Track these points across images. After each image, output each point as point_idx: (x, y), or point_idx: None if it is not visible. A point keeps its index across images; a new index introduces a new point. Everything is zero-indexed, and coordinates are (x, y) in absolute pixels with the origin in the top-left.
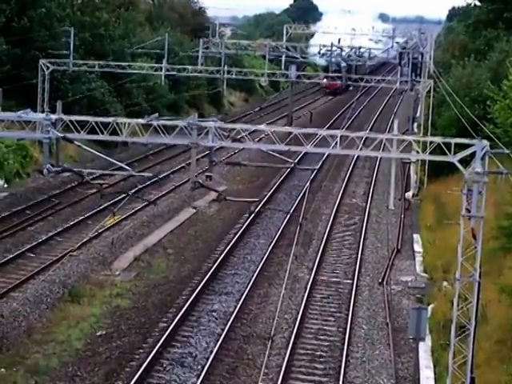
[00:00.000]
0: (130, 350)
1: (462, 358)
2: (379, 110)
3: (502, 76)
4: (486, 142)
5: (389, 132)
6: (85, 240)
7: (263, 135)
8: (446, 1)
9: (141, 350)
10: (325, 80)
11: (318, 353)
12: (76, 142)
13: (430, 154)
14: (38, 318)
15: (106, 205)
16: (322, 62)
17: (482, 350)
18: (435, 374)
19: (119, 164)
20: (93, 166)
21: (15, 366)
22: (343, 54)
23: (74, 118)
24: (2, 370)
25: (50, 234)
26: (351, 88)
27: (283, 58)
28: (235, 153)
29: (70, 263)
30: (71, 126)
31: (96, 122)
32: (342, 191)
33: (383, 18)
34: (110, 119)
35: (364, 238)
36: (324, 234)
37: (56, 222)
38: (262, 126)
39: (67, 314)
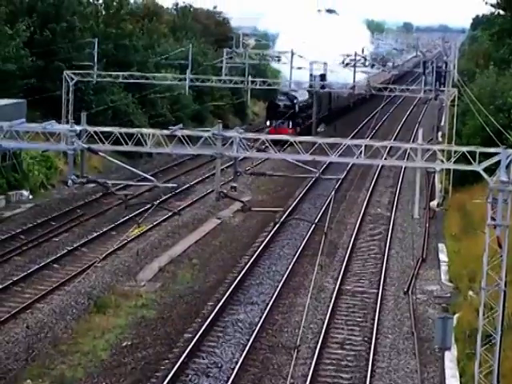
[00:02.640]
0: (156, 360)
1: (487, 368)
2: (403, 119)
3: None
4: (511, 151)
5: (413, 141)
6: (110, 251)
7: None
8: (470, 9)
9: (166, 361)
10: (267, 123)
11: (344, 362)
12: (100, 153)
13: (454, 162)
14: (64, 328)
15: (130, 216)
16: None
17: (508, 360)
18: (461, 383)
19: (144, 175)
20: (117, 176)
21: (41, 377)
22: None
23: (98, 129)
24: (28, 381)
25: (75, 244)
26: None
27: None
28: (260, 163)
29: (95, 274)
30: (95, 137)
31: (120, 133)
32: (366, 201)
33: (407, 27)
34: (135, 130)
35: (389, 248)
36: (349, 243)
37: (81, 232)
38: (286, 136)
39: (93, 325)
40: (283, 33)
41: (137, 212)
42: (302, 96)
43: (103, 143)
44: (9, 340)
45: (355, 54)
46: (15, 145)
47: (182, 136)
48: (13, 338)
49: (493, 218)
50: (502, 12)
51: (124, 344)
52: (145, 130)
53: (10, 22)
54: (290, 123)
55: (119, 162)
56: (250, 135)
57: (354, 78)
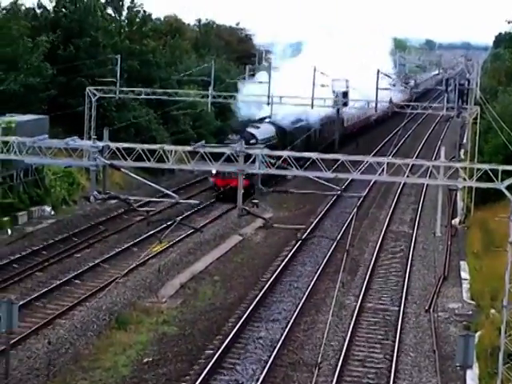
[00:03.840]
0: (177, 377)
1: None
2: (425, 137)
3: None
4: None
5: (435, 159)
6: (131, 267)
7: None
8: (492, 27)
9: (187, 377)
10: (213, 171)
11: (365, 380)
12: (123, 170)
13: (476, 180)
14: (85, 344)
15: (152, 232)
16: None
17: None
18: None
19: (166, 191)
20: (139, 193)
21: None
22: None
23: (120, 145)
24: None
25: (97, 260)
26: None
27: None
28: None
29: (117, 290)
30: (118, 154)
31: (142, 150)
32: (388, 218)
33: (430, 44)
34: (157, 146)
35: (411, 265)
36: (371, 260)
37: (102, 248)
38: (308, 153)
39: (114, 341)
40: (304, 52)
41: (159, 228)
42: (265, 133)
43: (125, 159)
44: (30, 355)
45: (378, 72)
46: (38, 160)
47: (205, 152)
48: (34, 354)
49: None
50: None
51: (145, 360)
52: (167, 147)
53: (33, 37)
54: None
55: (141, 179)
56: (273, 152)
57: (377, 97)
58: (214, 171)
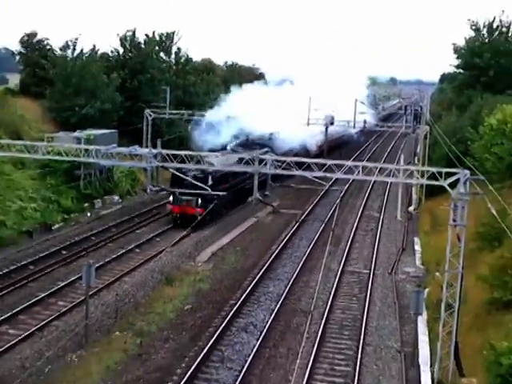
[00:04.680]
0: (208, 319)
1: (448, 328)
2: (389, 147)
3: (478, 123)
4: (467, 171)
5: (397, 163)
6: (176, 240)
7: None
8: (438, 67)
9: (216, 320)
10: (170, 198)
11: (345, 323)
12: (170, 169)
13: (427, 179)
14: (143, 296)
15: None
16: None
17: (463, 323)
18: (429, 339)
19: (201, 185)
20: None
21: (126, 330)
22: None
23: (169, 151)
24: (117, 333)
25: (152, 235)
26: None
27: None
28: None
29: (166, 257)
30: (167, 158)
31: (185, 155)
32: (362, 206)
33: (393, 80)
34: (195, 153)
35: (378, 240)
36: (349, 236)
37: (156, 226)
38: (304, 159)
39: (163, 294)
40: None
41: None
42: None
43: (172, 162)
44: (103, 303)
45: (355, 101)
46: (109, 162)
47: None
48: (106, 303)
49: (454, 220)
50: (461, 71)
51: (186, 308)
52: (203, 153)
53: (107, 74)
54: (199, 200)
55: (184, 176)
56: (280, 158)
57: (355, 118)
58: (171, 199)
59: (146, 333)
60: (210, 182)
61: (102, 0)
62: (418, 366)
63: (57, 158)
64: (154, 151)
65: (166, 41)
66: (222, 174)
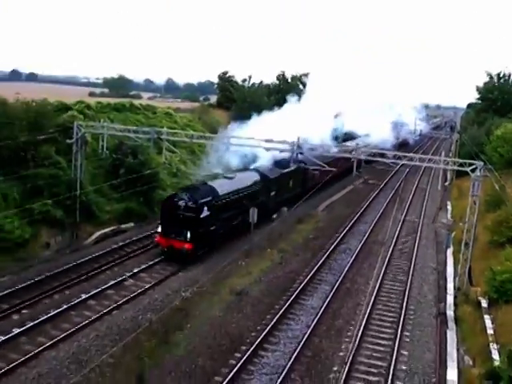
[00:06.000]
0: (323, 245)
1: (465, 256)
2: (435, 146)
3: (489, 133)
4: (481, 163)
5: (439, 155)
6: (305, 197)
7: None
8: (466, 97)
9: (328, 245)
10: (159, 228)
11: (404, 250)
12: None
13: (457, 166)
14: (285, 230)
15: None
16: None
17: (474, 254)
18: (453, 262)
19: (320, 163)
20: None
21: (273, 248)
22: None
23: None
24: (268, 249)
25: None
26: None
27: None
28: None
29: (300, 207)
30: None
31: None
32: (417, 181)
33: (438, 106)
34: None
35: (426, 202)
36: (408, 199)
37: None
38: (383, 151)
39: (297, 229)
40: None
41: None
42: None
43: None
44: (259, 233)
45: (415, 118)
46: None
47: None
48: (262, 232)
49: (472, 192)
50: (480, 101)
51: (310, 236)
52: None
53: (268, 96)
54: (188, 234)
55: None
56: (370, 150)
57: (415, 127)
58: (159, 229)
59: (285, 250)
60: (204, 213)
61: (268, 49)
62: (446, 278)
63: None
64: None
65: (301, 77)
66: (223, 203)
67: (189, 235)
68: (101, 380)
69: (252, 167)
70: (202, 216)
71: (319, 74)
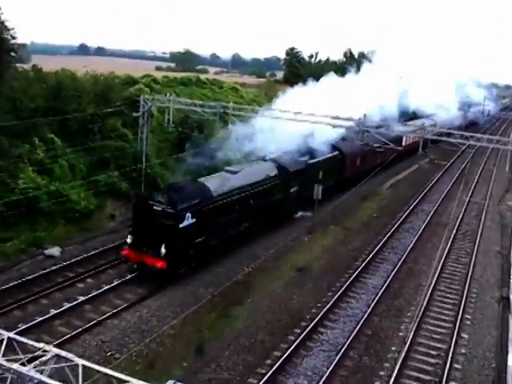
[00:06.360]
0: (386, 224)
1: None
2: (503, 127)
3: None
4: None
5: (507, 136)
6: (369, 177)
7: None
8: None
9: (390, 225)
10: (128, 238)
11: (467, 232)
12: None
13: None
14: (351, 206)
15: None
16: None
17: None
18: None
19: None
20: None
21: (339, 225)
22: None
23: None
24: (332, 226)
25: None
26: None
27: None
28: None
29: (364, 187)
30: None
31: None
32: (484, 163)
33: (508, 86)
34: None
35: (492, 183)
36: (473, 180)
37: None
38: (451, 130)
39: (361, 206)
40: None
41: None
42: (213, 187)
43: None
44: (323, 211)
45: (484, 98)
46: None
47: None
48: (325, 209)
49: None
50: None
51: (374, 215)
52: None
53: (335, 72)
54: (163, 248)
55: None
56: (437, 129)
57: (483, 108)
58: (128, 240)
59: (350, 227)
60: (186, 222)
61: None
62: (510, 262)
63: None
64: None
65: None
66: (217, 207)
67: (163, 250)
68: (161, 350)
69: (269, 157)
70: (182, 225)
71: (386, 49)
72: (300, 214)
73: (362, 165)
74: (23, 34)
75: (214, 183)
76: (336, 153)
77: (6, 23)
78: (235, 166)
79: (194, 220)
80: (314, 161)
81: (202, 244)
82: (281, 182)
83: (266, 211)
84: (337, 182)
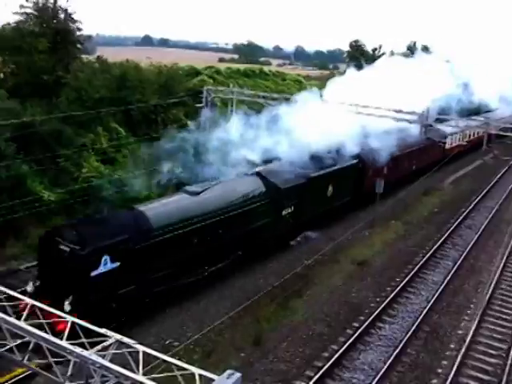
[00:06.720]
0: (448, 219)
1: None
2: None
3: None
4: None
5: None
6: (429, 174)
7: None
8: None
9: (452, 220)
10: (28, 286)
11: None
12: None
13: None
14: (411, 200)
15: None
16: None
17: None
18: None
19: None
20: None
21: (398, 220)
22: None
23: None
24: (393, 221)
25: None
26: None
27: None
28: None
29: (423, 182)
30: None
31: None
32: None
33: None
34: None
35: None
36: None
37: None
38: None
39: (422, 201)
40: None
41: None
42: (155, 216)
43: None
44: (385, 205)
45: None
46: None
47: None
48: (386, 204)
49: None
50: None
51: (435, 210)
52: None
53: None
54: (67, 303)
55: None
56: (502, 124)
57: None
58: (29, 287)
59: (410, 221)
60: (103, 267)
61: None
62: None
63: None
64: None
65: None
66: (158, 243)
67: (67, 306)
68: (219, 339)
69: (254, 170)
70: (95, 273)
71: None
72: (303, 234)
73: (391, 173)
74: (89, 25)
75: (158, 210)
76: (354, 161)
77: (73, 15)
78: (198, 185)
79: (118, 264)
80: (317, 174)
81: (132, 295)
82: (268, 202)
83: (246, 242)
84: (352, 199)
